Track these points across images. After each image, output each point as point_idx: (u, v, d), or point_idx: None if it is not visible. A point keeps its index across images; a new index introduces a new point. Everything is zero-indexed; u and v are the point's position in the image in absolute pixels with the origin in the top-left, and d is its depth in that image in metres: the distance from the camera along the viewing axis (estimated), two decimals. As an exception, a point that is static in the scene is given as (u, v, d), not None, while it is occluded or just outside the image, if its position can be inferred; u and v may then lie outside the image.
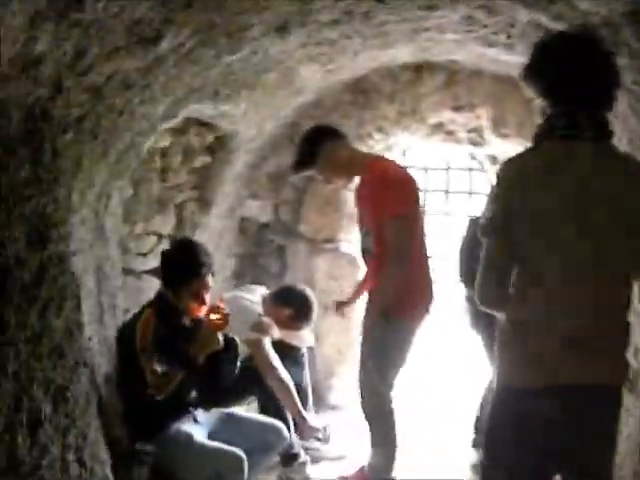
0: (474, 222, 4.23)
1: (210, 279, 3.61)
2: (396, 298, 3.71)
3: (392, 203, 3.69)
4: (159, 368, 3.30)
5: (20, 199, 2.19)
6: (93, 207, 3.48)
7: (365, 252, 3.96)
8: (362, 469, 4.07)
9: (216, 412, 3.78)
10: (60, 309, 2.49)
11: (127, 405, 3.51)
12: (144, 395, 3.31)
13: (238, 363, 3.77)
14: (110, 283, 3.95)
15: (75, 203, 3.04)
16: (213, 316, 3.53)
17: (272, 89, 4.48)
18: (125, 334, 3.57)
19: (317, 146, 3.86)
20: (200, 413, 3.64)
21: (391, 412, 3.87)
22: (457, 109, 5.14)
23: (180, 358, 3.40)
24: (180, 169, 4.72)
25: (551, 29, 3.37)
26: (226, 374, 3.70)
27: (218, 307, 3.57)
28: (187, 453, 3.37)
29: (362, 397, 3.87)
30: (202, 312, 3.62)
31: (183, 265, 3.57)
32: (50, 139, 2.35)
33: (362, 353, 3.83)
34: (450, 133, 5.29)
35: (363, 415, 3.92)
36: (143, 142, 3.79)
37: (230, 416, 3.78)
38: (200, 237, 5.10)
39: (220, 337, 3.52)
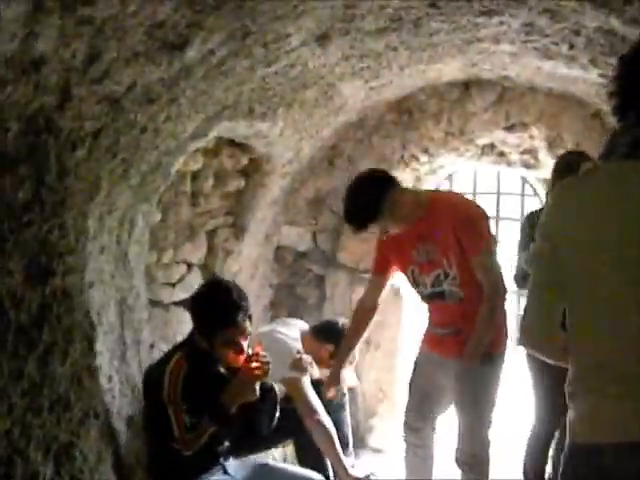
0: (530, 217, 4.00)
1: (247, 324, 3.18)
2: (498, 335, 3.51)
3: (479, 237, 3.39)
4: (188, 420, 2.93)
5: (17, 225, 1.88)
6: (114, 234, 3.17)
7: (446, 297, 3.55)
8: None
9: (249, 462, 3.42)
10: (65, 354, 2.17)
11: (152, 454, 3.17)
12: (171, 448, 2.94)
13: (277, 413, 3.40)
14: (134, 316, 3.64)
15: (92, 229, 2.73)
16: (251, 364, 3.15)
17: (311, 107, 4.17)
18: (152, 379, 3.19)
19: (380, 197, 3.40)
20: (231, 463, 3.28)
21: None
22: (509, 129, 4.77)
23: (212, 409, 3.04)
24: (212, 193, 4.41)
25: (623, 35, 3.03)
26: (263, 426, 3.31)
27: (257, 354, 3.18)
28: None
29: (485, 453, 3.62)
30: (240, 361, 3.22)
31: (216, 311, 3.11)
32: (56, 155, 2.03)
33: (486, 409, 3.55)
34: (501, 155, 4.93)
35: (480, 470, 3.64)
36: (171, 163, 3.49)
37: (263, 467, 3.41)
38: (233, 266, 4.78)
39: (257, 386, 3.14)
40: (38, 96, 1.91)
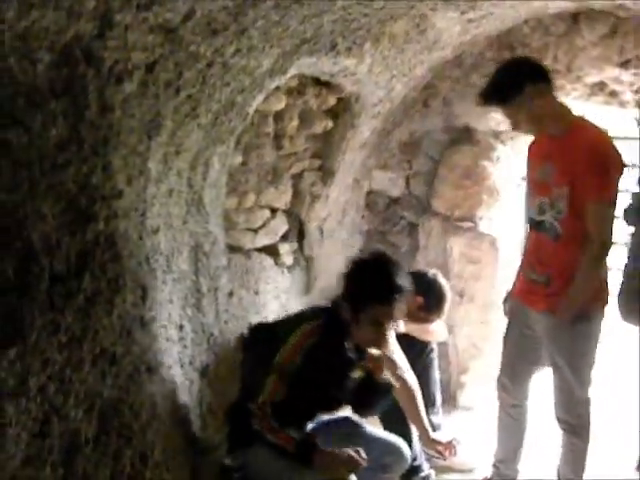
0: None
1: (399, 311, 2.95)
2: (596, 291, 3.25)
3: (607, 186, 3.11)
4: (281, 394, 2.74)
5: (51, 166, 1.71)
6: (185, 176, 3.01)
7: (544, 228, 3.28)
8: None
9: (339, 420, 3.29)
10: (111, 305, 2.01)
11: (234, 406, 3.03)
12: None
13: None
14: (211, 263, 3.49)
15: (154, 171, 2.57)
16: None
17: (401, 42, 3.86)
18: (266, 335, 3.06)
19: (520, 83, 3.13)
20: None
21: None
22: (623, 65, 4.32)
23: (323, 397, 2.98)
24: (297, 135, 4.18)
25: None
26: (365, 415, 3.34)
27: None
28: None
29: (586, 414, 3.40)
30: (375, 349, 3.08)
31: (378, 285, 2.89)
32: (97, 89, 1.85)
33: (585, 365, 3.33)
34: (613, 94, 4.48)
35: (582, 431, 3.42)
36: (247, 102, 3.28)
37: (354, 427, 3.27)
38: (321, 212, 4.58)
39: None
40: (72, 23, 1.72)
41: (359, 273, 3.00)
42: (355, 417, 3.33)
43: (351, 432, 3.25)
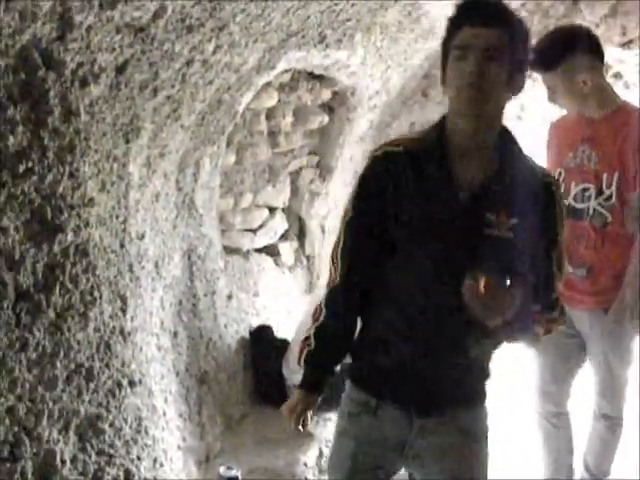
0: None
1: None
2: None
3: None
4: None
5: (11, 176, 1.63)
6: (172, 179, 2.93)
7: (588, 217, 3.01)
8: None
9: None
10: (86, 318, 1.93)
11: None
12: None
13: None
14: (207, 266, 3.42)
15: (137, 175, 2.49)
16: None
17: (394, 31, 3.75)
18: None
19: (564, 50, 2.90)
20: None
21: None
22: (625, 45, 4.20)
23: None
24: (293, 132, 4.09)
25: None
26: None
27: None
28: None
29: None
30: None
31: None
32: (59, 94, 1.76)
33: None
34: (617, 76, 4.38)
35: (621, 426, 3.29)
36: (235, 100, 3.19)
37: None
38: (321, 209, 4.49)
39: None
40: (27, 25, 1.64)
41: None
42: None
43: None
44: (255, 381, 3.76)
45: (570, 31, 3.12)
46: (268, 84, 3.58)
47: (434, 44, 4.28)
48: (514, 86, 1.85)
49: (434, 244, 1.86)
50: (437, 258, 1.85)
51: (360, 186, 1.97)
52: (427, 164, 1.86)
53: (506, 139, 1.92)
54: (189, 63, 2.52)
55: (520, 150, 1.94)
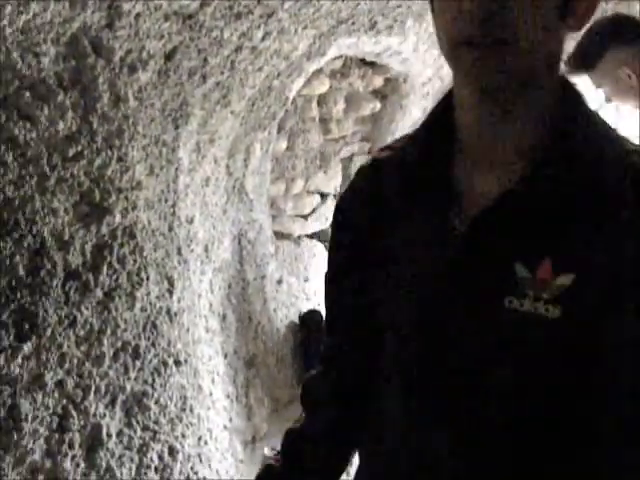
0: None
1: None
2: None
3: None
4: None
5: (60, 160, 1.69)
6: (223, 164, 2.98)
7: None
8: None
9: None
10: (133, 298, 1.99)
11: None
12: None
13: None
14: (257, 251, 3.47)
15: (186, 160, 2.54)
16: None
17: (447, 18, 3.73)
18: None
19: (600, 45, 2.64)
20: None
21: None
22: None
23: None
24: (345, 118, 4.11)
25: None
26: None
27: None
28: None
29: None
30: None
31: None
32: (108, 80, 1.82)
33: None
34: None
35: None
36: (286, 86, 3.23)
37: None
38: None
39: None
40: (77, 14, 1.69)
41: None
42: None
43: None
44: (304, 365, 3.80)
45: (602, 24, 2.74)
46: (319, 71, 3.60)
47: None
48: (573, 9, 0.92)
49: (417, 338, 1.01)
50: (420, 370, 1.00)
51: (332, 226, 1.21)
52: (414, 179, 1.04)
53: (567, 110, 0.97)
54: (238, 50, 2.55)
55: (596, 123, 0.98)
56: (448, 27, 0.92)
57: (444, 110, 1.04)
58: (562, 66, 1.01)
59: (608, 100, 2.91)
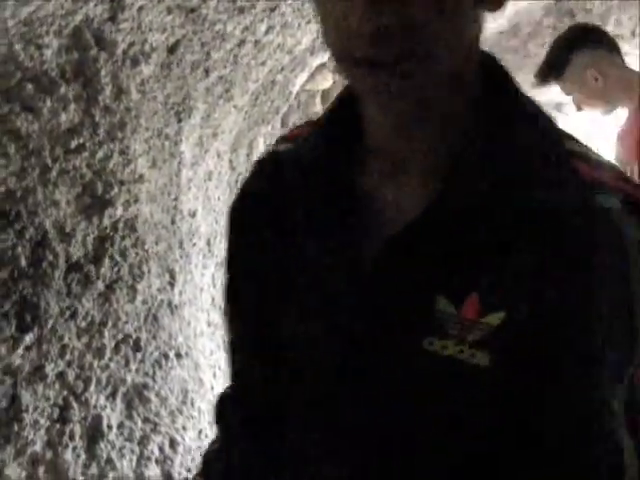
0: None
1: None
2: None
3: None
4: None
5: (62, 152, 1.70)
6: (226, 159, 2.99)
7: None
8: None
9: None
10: (134, 290, 1.99)
11: None
12: None
13: None
14: (259, 245, 3.47)
15: (189, 154, 2.54)
16: None
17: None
18: None
19: (566, 51, 2.72)
20: None
21: None
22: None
23: None
24: (348, 113, 4.11)
25: None
26: None
27: None
28: None
29: None
30: None
31: None
32: (111, 73, 1.83)
33: None
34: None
35: None
36: (290, 81, 3.23)
37: None
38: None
39: None
40: (80, 7, 1.70)
41: None
42: None
43: None
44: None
45: (566, 33, 2.91)
46: (323, 65, 3.59)
47: (492, 26, 4.25)
48: None
49: (321, 379, 0.82)
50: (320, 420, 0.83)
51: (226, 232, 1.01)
52: (315, 183, 0.83)
53: (492, 100, 0.80)
54: (241, 44, 2.56)
55: (531, 121, 0.84)
56: (334, 41, 0.72)
57: (353, 99, 0.83)
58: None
59: (578, 108, 2.91)
